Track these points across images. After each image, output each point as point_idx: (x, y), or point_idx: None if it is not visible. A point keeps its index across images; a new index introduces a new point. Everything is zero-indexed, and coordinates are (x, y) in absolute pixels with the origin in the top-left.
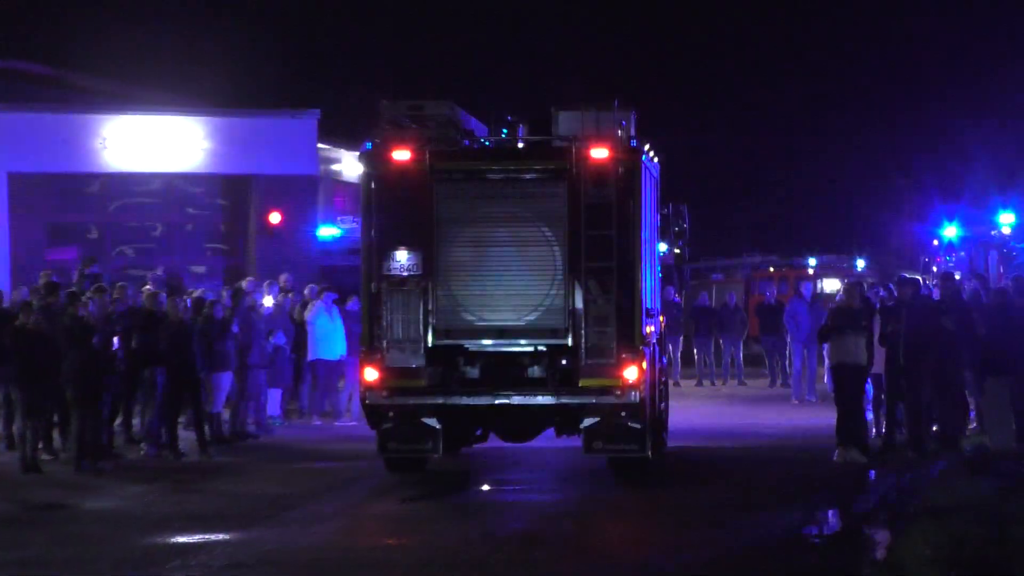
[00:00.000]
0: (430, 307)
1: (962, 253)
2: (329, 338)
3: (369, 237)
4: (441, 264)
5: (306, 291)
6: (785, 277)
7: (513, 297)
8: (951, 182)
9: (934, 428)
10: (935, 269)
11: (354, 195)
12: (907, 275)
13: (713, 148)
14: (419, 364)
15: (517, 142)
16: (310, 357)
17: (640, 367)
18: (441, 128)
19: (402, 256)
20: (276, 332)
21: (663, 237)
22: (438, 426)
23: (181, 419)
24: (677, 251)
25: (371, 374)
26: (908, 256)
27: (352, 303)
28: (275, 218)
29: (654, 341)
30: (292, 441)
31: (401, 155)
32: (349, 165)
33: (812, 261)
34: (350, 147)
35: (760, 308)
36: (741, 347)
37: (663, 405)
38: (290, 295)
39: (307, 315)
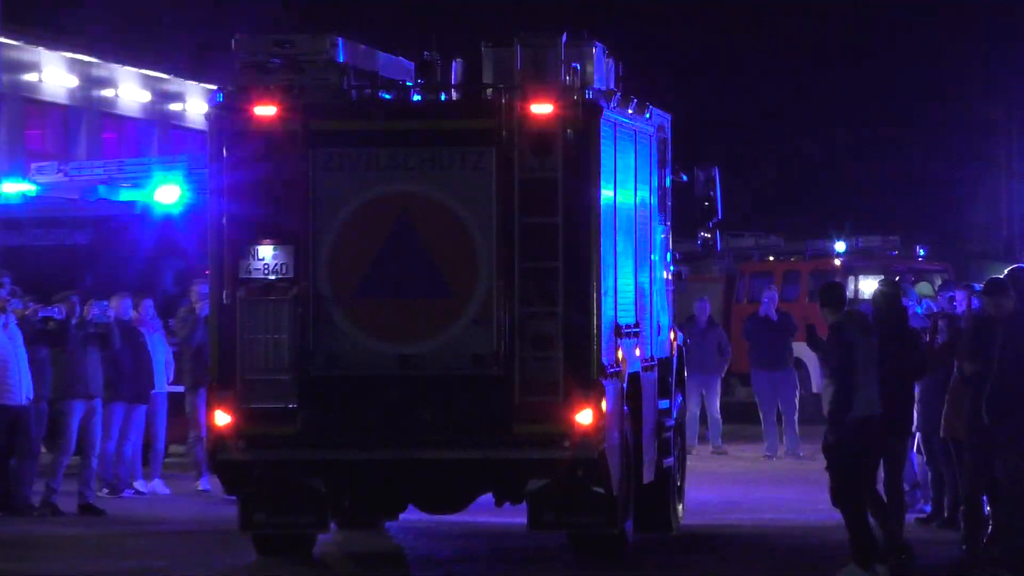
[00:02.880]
0: (306, 324)
1: None
2: (9, 371)
3: (220, 225)
4: (321, 264)
5: None
6: (794, 272)
7: (421, 310)
8: None
9: None
10: None
11: (61, 124)
12: (1006, 274)
13: (696, 74)
14: (291, 404)
15: (430, 93)
16: None
17: (598, 408)
18: (321, 73)
19: (267, 253)
20: None
21: (680, 216)
22: (323, 490)
23: None
24: (706, 235)
25: (223, 418)
26: (1003, 239)
27: (48, 310)
28: None
29: (636, 369)
30: None
31: (264, 111)
32: (54, 75)
33: (840, 246)
34: (56, 44)
35: (752, 325)
36: (718, 389)
37: (669, 462)
38: None
39: None
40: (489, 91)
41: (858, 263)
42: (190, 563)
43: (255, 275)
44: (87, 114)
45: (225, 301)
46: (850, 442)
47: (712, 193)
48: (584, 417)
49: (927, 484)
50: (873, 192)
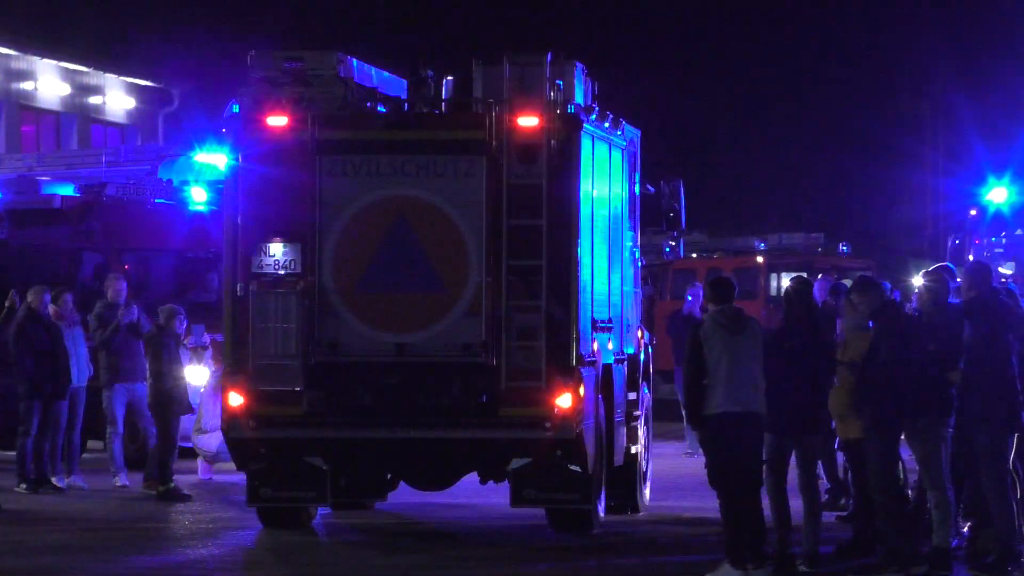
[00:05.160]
0: (312, 315)
1: (1019, 231)
2: None
3: (234, 225)
4: (326, 260)
5: None
6: (718, 269)
7: (416, 303)
8: (1002, 118)
9: (964, 528)
10: (970, 257)
11: None
12: (935, 271)
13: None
14: (297, 387)
15: (426, 106)
16: None
17: (576, 393)
18: (328, 87)
19: (277, 250)
20: None
21: (646, 225)
22: (325, 467)
23: None
24: (672, 243)
25: (235, 399)
26: (929, 235)
27: None
28: None
29: (609, 361)
30: None
31: (276, 121)
32: None
33: (763, 243)
34: None
35: (676, 322)
36: None
37: (637, 448)
38: None
39: None
40: (480, 105)
41: (781, 260)
42: (104, 559)
43: (266, 270)
44: (5, 107)
45: (239, 293)
46: (709, 437)
47: (676, 204)
48: (564, 401)
49: (849, 482)
50: (797, 190)
